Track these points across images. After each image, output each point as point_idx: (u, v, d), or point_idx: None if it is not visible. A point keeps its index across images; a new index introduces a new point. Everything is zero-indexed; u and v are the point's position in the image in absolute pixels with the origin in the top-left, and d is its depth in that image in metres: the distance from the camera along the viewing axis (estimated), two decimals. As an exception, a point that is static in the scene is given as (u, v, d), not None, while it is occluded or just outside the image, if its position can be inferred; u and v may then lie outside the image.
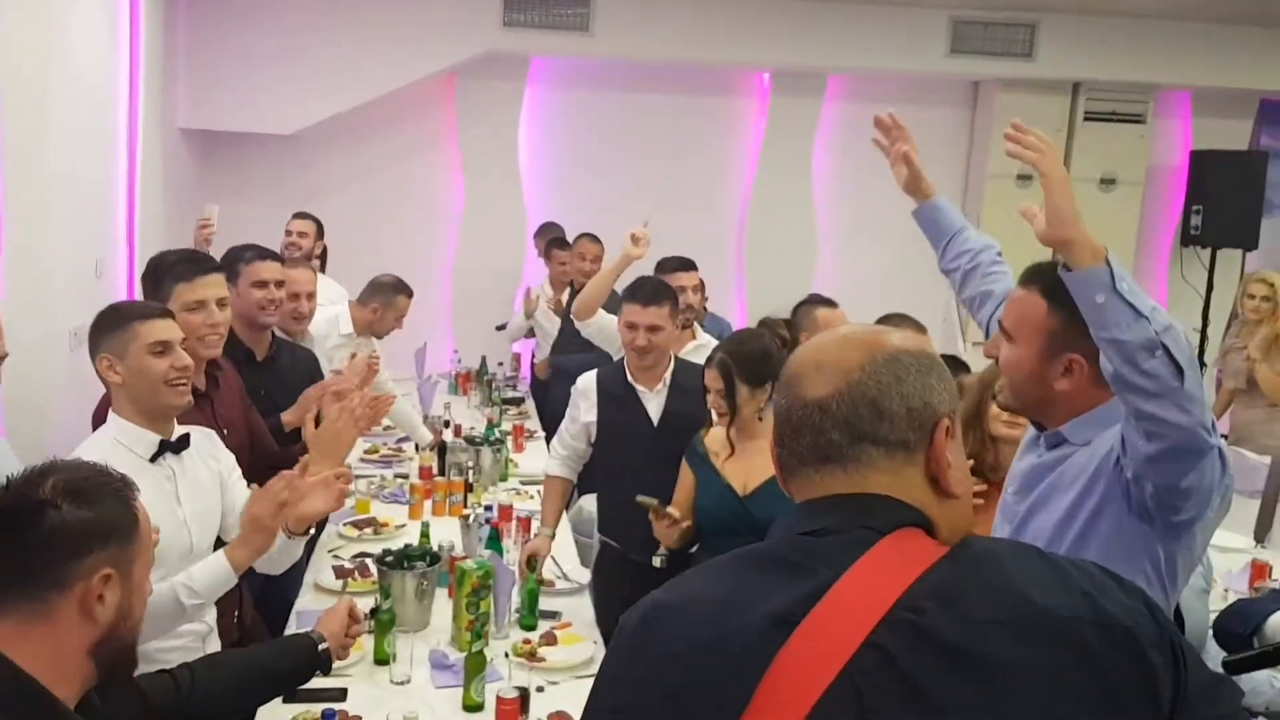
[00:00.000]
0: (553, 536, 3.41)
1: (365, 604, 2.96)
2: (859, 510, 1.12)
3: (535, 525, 3.55)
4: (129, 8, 5.24)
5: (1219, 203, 6.67)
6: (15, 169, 3.70)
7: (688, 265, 4.47)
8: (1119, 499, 1.78)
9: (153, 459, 2.39)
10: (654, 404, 3.45)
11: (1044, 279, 1.87)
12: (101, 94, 4.99)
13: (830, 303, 4.14)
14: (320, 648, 2.23)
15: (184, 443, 2.45)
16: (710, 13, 6.51)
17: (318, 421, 2.78)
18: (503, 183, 6.91)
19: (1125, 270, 1.63)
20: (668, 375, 3.47)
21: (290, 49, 6.28)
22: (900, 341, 1.19)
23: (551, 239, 6.25)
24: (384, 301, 4.54)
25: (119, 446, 2.34)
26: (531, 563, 3.13)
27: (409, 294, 4.69)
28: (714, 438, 3.11)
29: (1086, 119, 6.97)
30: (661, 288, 3.50)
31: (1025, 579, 1.07)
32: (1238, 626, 2.10)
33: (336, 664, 2.33)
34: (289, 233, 5.29)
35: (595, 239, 5.85)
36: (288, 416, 3.23)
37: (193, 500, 2.45)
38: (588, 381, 3.55)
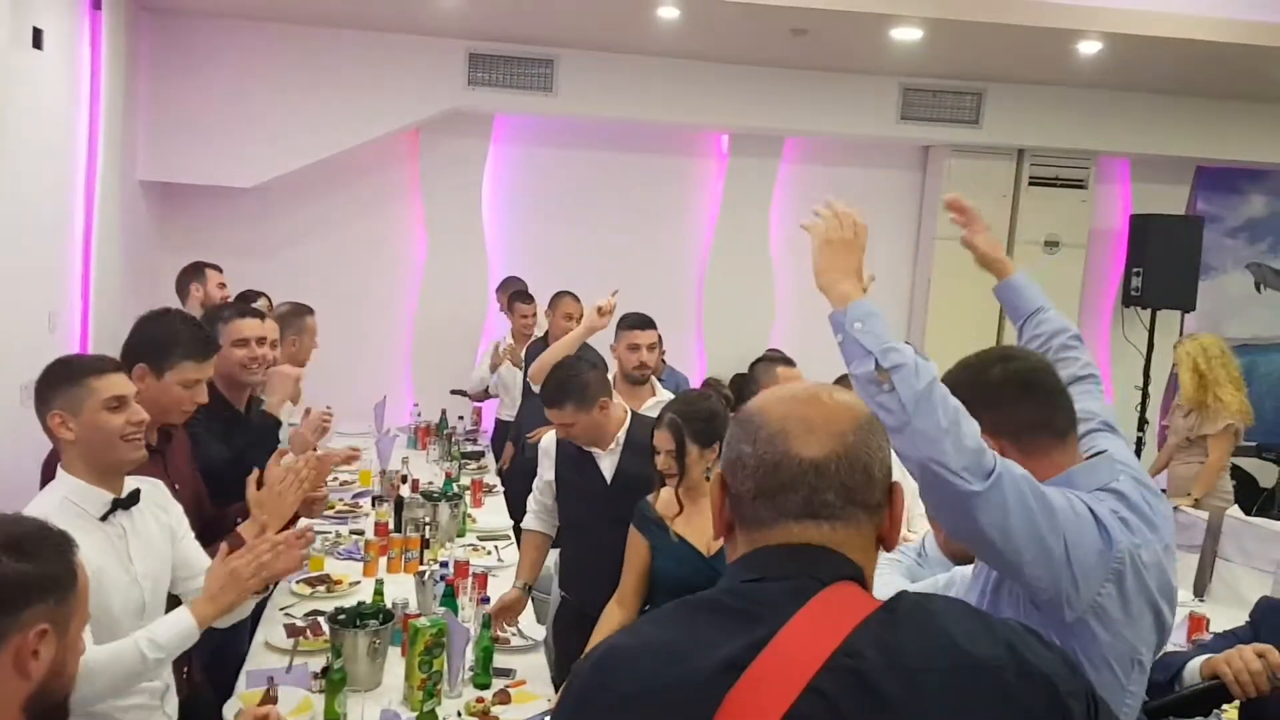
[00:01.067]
0: (526, 589, 3.44)
1: (317, 664, 2.96)
2: (805, 561, 1.18)
3: (492, 583, 3.57)
4: (89, 60, 5.27)
5: (1158, 265, 6.88)
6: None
7: (646, 323, 4.54)
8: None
9: (103, 517, 2.36)
10: (607, 463, 3.48)
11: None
12: (60, 145, 5.00)
13: (789, 361, 4.22)
14: None
15: (134, 498, 2.43)
16: (670, 76, 6.66)
17: (259, 483, 2.79)
18: (466, 237, 6.98)
19: (874, 313, 1.74)
20: (622, 434, 3.50)
21: (253, 103, 6.33)
22: (865, 407, 1.29)
23: (514, 292, 6.32)
24: (295, 330, 4.52)
25: (69, 505, 2.31)
26: (487, 620, 3.14)
27: (310, 310, 4.72)
28: (664, 501, 3.12)
29: (1031, 183, 7.19)
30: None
31: (956, 630, 1.15)
32: (1160, 675, 2.17)
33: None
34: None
35: (576, 298, 5.91)
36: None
37: (144, 558, 2.44)
38: (549, 440, 3.64)
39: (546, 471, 3.61)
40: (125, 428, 2.35)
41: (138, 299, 5.28)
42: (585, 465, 3.50)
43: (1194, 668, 2.18)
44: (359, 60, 6.42)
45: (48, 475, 2.57)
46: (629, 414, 3.58)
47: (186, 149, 6.26)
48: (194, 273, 5.30)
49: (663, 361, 6.45)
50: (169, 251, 6.57)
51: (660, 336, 4.67)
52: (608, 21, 5.84)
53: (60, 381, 2.34)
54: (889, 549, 1.24)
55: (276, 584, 3.58)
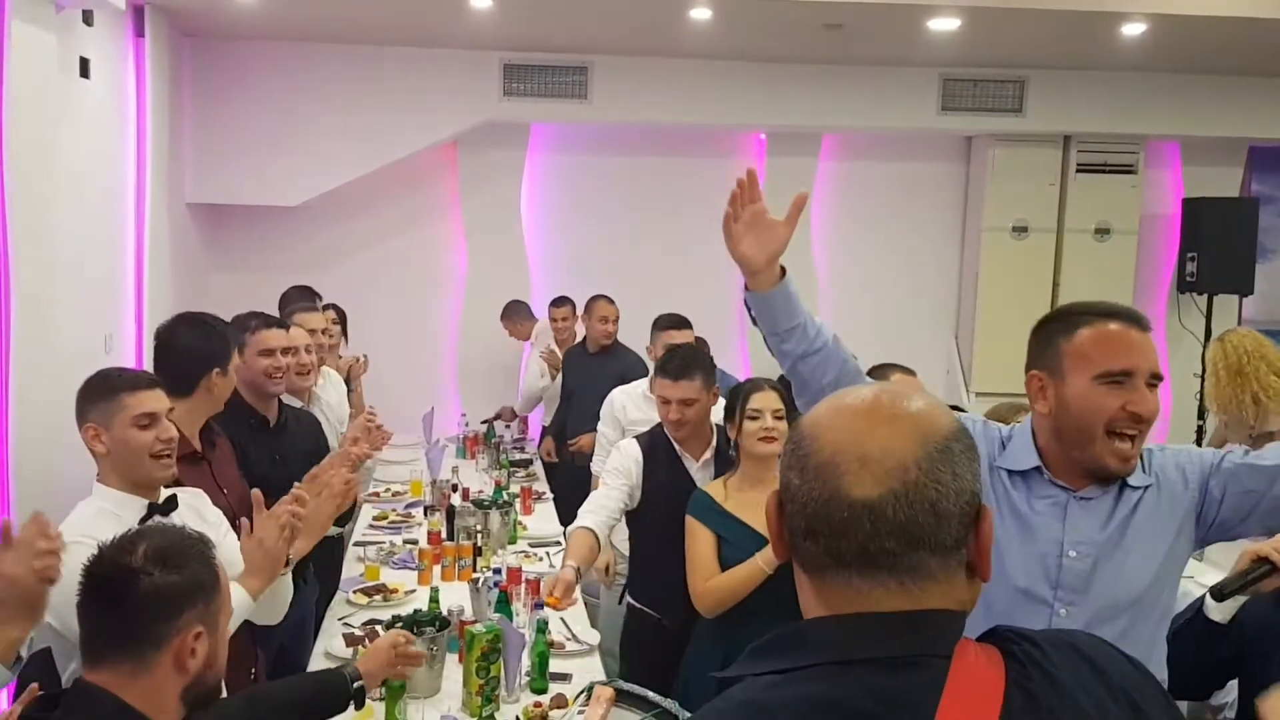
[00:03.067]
0: (577, 571, 3.15)
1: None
2: (921, 632, 1.03)
3: (544, 587, 3.53)
4: (135, 86, 5.37)
5: (1213, 249, 6.73)
6: (24, 245, 3.77)
7: (681, 323, 4.51)
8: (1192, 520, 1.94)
9: (140, 523, 2.37)
10: (701, 475, 3.42)
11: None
12: (109, 171, 5.10)
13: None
14: (355, 685, 2.32)
15: (172, 504, 2.46)
16: (704, 77, 6.64)
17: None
18: (506, 247, 7.02)
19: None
20: (713, 444, 3.46)
21: (294, 123, 6.41)
22: (945, 422, 1.08)
23: (554, 299, 6.37)
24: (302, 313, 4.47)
25: (106, 514, 2.33)
26: (542, 625, 3.13)
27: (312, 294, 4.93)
28: (731, 485, 3.11)
29: (1079, 171, 7.07)
30: (691, 360, 3.46)
31: (1087, 702, 1.06)
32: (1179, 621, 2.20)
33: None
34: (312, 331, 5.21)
35: (610, 300, 5.95)
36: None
37: None
38: (634, 448, 3.50)
39: (631, 478, 3.44)
40: (154, 444, 2.38)
41: (189, 319, 5.35)
42: (678, 476, 3.42)
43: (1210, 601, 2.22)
44: (396, 75, 6.48)
45: None
46: (714, 427, 3.52)
47: (232, 170, 6.36)
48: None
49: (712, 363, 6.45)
50: (218, 270, 6.69)
51: (699, 338, 4.63)
52: (640, 25, 5.84)
53: (96, 395, 2.39)
54: (984, 579, 1.08)
55: (334, 593, 3.63)
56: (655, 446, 3.48)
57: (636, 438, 3.58)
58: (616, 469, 3.47)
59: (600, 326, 5.79)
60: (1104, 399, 1.85)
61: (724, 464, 3.37)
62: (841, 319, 7.18)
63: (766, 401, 3.06)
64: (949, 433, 1.06)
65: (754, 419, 3.06)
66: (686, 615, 3.15)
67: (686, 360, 3.46)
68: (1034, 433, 1.97)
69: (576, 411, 5.62)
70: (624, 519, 3.56)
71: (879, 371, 3.57)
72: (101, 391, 2.39)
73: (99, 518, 2.30)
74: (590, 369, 5.69)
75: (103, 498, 2.40)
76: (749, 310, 2.11)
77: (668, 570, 3.14)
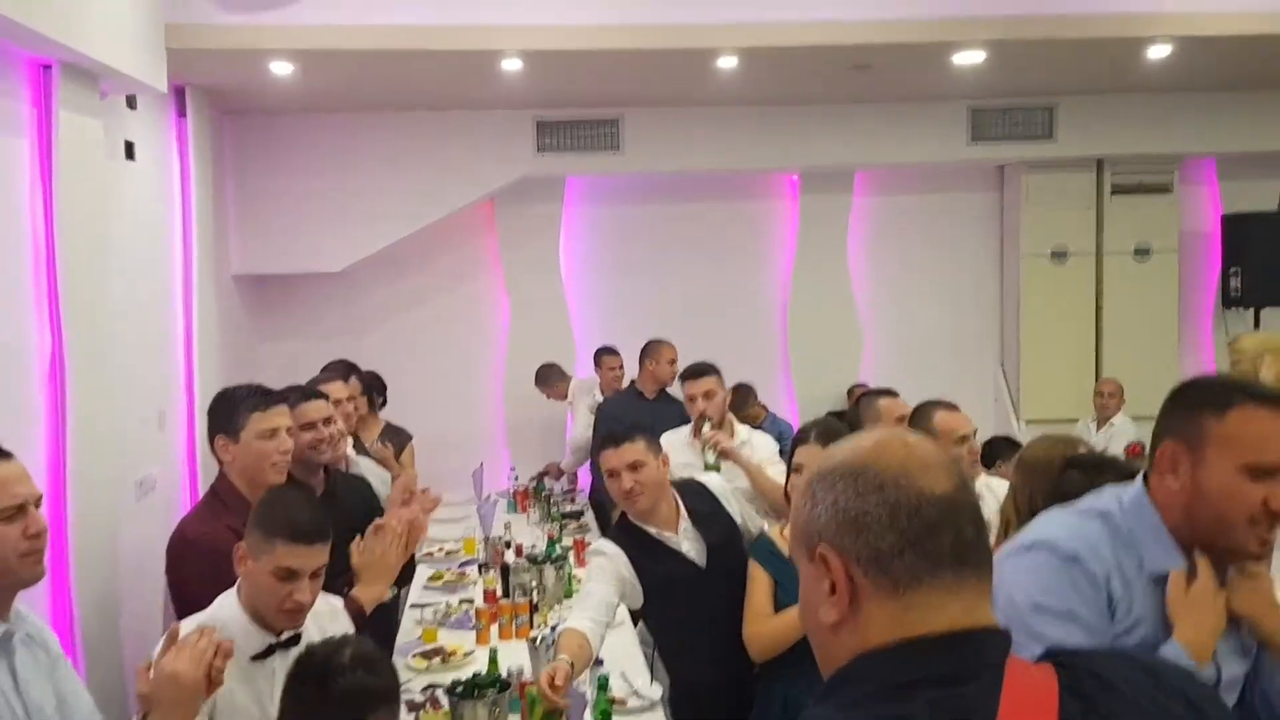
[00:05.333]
0: (571, 666, 2.80)
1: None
2: (974, 646, 1.10)
3: (543, 678, 2.92)
4: (179, 165, 5.52)
5: (1257, 263, 6.67)
6: (76, 326, 3.86)
7: (700, 372, 4.48)
8: None
9: (256, 657, 2.40)
10: (690, 546, 3.22)
11: None
12: (157, 248, 5.23)
13: (891, 392, 4.14)
14: None
15: (295, 641, 2.43)
16: (734, 123, 6.71)
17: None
18: (547, 300, 7.10)
19: None
20: (683, 511, 3.25)
21: (334, 191, 6.55)
22: None
23: (599, 348, 6.51)
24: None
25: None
26: (603, 682, 3.13)
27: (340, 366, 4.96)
28: (775, 532, 3.11)
29: (1114, 192, 7.05)
30: (632, 425, 3.32)
31: (1141, 694, 1.11)
32: None
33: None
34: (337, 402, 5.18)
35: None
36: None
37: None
38: (611, 548, 3.20)
39: (624, 579, 3.16)
40: (289, 600, 2.38)
41: (239, 389, 5.45)
42: (661, 555, 3.20)
43: None
44: (431, 139, 6.61)
45: (174, 554, 2.76)
46: (676, 494, 3.32)
47: (275, 240, 6.50)
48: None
49: (763, 408, 6.46)
50: (265, 339, 6.81)
51: (720, 382, 4.55)
52: (669, 76, 5.91)
53: (253, 526, 2.43)
54: None
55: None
56: (631, 539, 3.22)
57: (608, 536, 3.35)
58: (603, 567, 3.18)
59: (669, 369, 5.82)
60: (1247, 491, 1.72)
61: (702, 522, 3.25)
62: (885, 353, 7.19)
63: (809, 456, 3.05)
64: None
65: (799, 472, 3.06)
66: (732, 671, 3.12)
67: (628, 425, 3.33)
68: (1157, 512, 1.81)
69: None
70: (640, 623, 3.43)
71: (922, 411, 3.56)
72: (260, 521, 2.42)
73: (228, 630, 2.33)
74: (651, 413, 5.65)
75: (236, 618, 2.41)
76: None
77: (691, 641, 3.12)
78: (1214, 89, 6.66)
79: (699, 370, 4.51)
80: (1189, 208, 7.24)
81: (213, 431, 3.08)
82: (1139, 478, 1.87)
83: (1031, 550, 1.79)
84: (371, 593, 2.99)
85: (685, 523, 3.25)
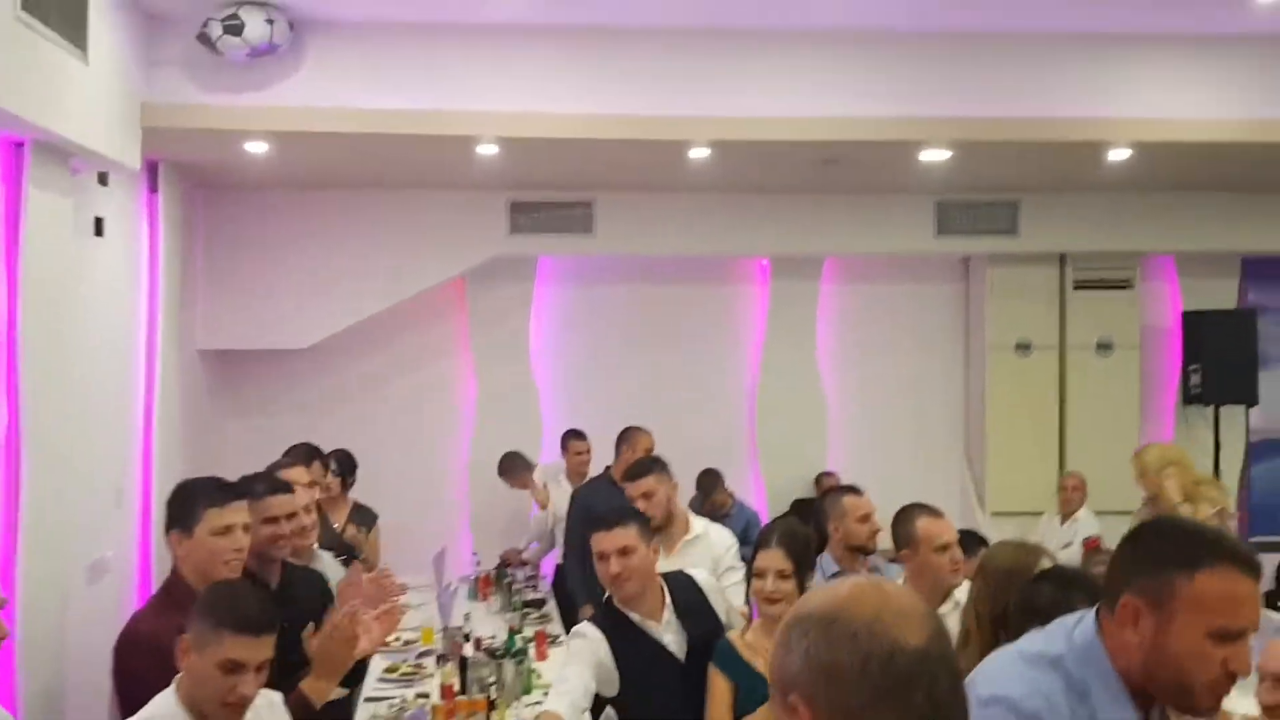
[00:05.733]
0: None
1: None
2: None
3: None
4: (148, 240, 5.49)
5: (1215, 361, 6.79)
6: (37, 403, 3.80)
7: (636, 474, 4.27)
8: None
9: None
10: (672, 639, 3.19)
11: None
12: (121, 325, 5.17)
13: (855, 489, 4.12)
14: None
15: None
16: (706, 209, 6.79)
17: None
18: (515, 381, 7.07)
19: None
20: (668, 600, 3.24)
21: (304, 267, 6.53)
22: None
23: (567, 431, 6.47)
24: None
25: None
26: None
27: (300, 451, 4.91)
28: (749, 638, 3.06)
29: (1077, 287, 7.17)
30: (625, 508, 3.39)
31: None
32: None
33: None
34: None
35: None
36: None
37: None
38: (594, 632, 3.18)
39: (602, 664, 3.12)
40: (232, 694, 2.35)
41: (199, 467, 5.37)
42: (644, 645, 3.18)
43: None
44: (404, 217, 6.63)
45: (123, 654, 2.65)
46: (663, 582, 3.33)
47: (243, 315, 6.46)
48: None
49: (730, 495, 6.43)
50: (227, 417, 6.73)
51: (658, 481, 4.39)
52: (642, 163, 5.99)
53: (199, 617, 2.38)
54: None
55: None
56: (614, 624, 3.19)
57: (591, 619, 3.31)
58: (581, 656, 3.13)
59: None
60: (1211, 655, 1.67)
61: (687, 615, 3.23)
62: (853, 441, 7.21)
63: (770, 561, 3.02)
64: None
65: (759, 577, 3.03)
66: None
67: (622, 509, 3.37)
68: (1109, 657, 1.76)
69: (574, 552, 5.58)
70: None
71: (905, 514, 3.47)
72: (203, 614, 2.39)
73: None
74: (624, 501, 5.58)
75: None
76: None
77: None
78: (1172, 189, 6.83)
79: (636, 471, 4.37)
80: (1150, 304, 7.37)
81: (168, 525, 3.02)
82: (1092, 615, 1.81)
83: (989, 706, 1.73)
84: (321, 688, 2.91)
85: (669, 614, 3.22)
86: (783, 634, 1.16)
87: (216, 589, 2.47)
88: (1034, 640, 1.86)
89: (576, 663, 3.11)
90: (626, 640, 3.16)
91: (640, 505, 4.20)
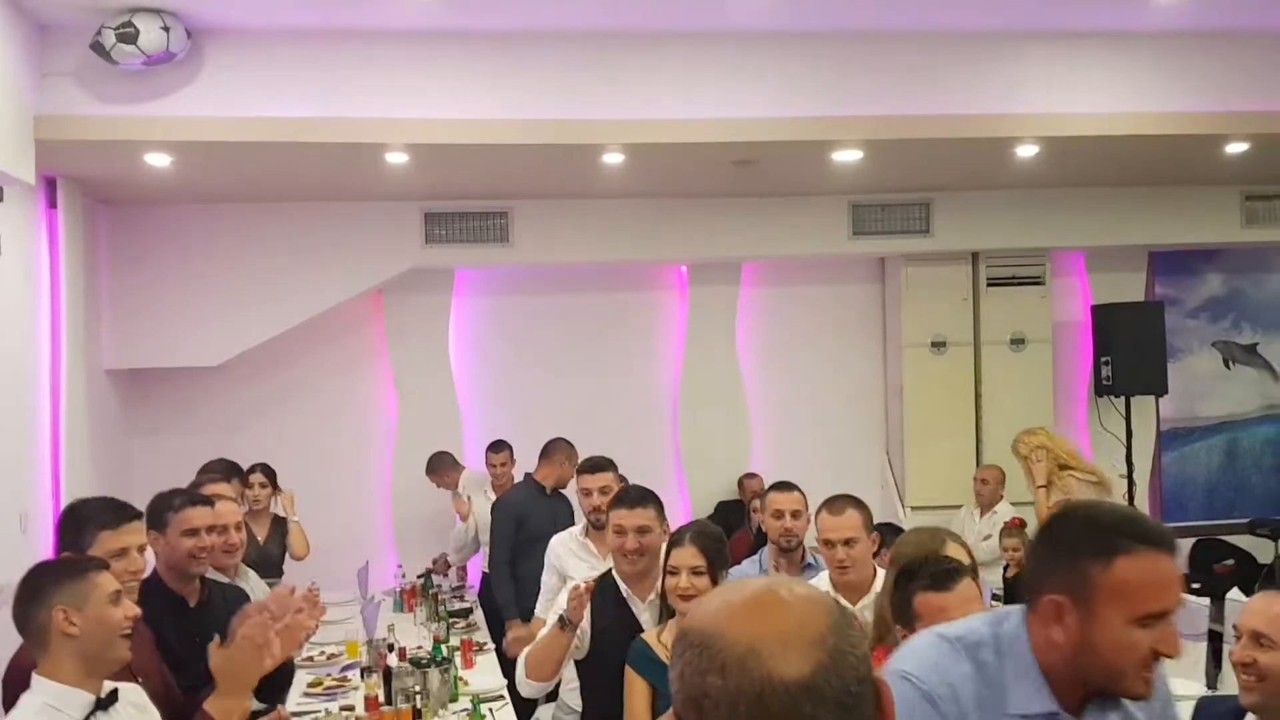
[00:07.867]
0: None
1: None
2: None
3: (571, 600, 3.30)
4: (49, 257, 5.33)
5: (1125, 352, 6.94)
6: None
7: (598, 467, 4.40)
8: None
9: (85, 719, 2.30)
10: (647, 618, 3.31)
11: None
12: (22, 344, 5.01)
13: (782, 486, 4.10)
14: None
15: (114, 697, 2.36)
16: (623, 216, 6.79)
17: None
18: (436, 393, 6.99)
19: None
20: (657, 587, 3.30)
21: (213, 283, 6.39)
22: (825, 595, 1.06)
23: (491, 443, 6.34)
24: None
25: (49, 710, 2.24)
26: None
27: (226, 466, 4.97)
28: (664, 637, 3.03)
29: (989, 284, 7.30)
30: (648, 491, 3.49)
31: None
32: None
33: None
34: (251, 485, 5.49)
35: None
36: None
37: None
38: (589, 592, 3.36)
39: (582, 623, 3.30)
40: (124, 623, 2.32)
41: (110, 489, 5.20)
42: (625, 616, 3.33)
43: None
44: (315, 230, 6.52)
45: (11, 687, 2.50)
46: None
47: (150, 334, 6.30)
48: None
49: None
50: (138, 436, 6.56)
51: (616, 478, 4.50)
52: (556, 170, 5.98)
53: (66, 576, 2.32)
54: None
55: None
56: (603, 589, 3.38)
57: (595, 579, 3.46)
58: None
59: (572, 470, 5.77)
60: (1138, 640, 1.65)
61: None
62: (775, 442, 7.25)
63: (683, 559, 3.01)
64: (836, 604, 1.06)
65: (673, 574, 3.03)
66: None
67: (643, 490, 3.51)
68: (1033, 654, 1.74)
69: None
70: (575, 668, 3.45)
71: (834, 503, 3.55)
72: (73, 572, 2.32)
73: (41, 714, 2.23)
74: (550, 508, 5.54)
75: (45, 692, 2.28)
76: None
77: (615, 709, 3.06)
78: (1080, 185, 7.00)
79: (596, 465, 4.43)
80: (1061, 299, 7.54)
81: (58, 550, 2.90)
82: (1020, 611, 1.78)
83: (893, 680, 1.71)
84: (226, 704, 2.81)
85: (654, 596, 3.33)
86: (675, 642, 1.07)
87: (48, 562, 2.44)
88: (960, 623, 1.86)
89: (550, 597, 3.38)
90: (608, 607, 3.32)
91: (595, 499, 4.21)
